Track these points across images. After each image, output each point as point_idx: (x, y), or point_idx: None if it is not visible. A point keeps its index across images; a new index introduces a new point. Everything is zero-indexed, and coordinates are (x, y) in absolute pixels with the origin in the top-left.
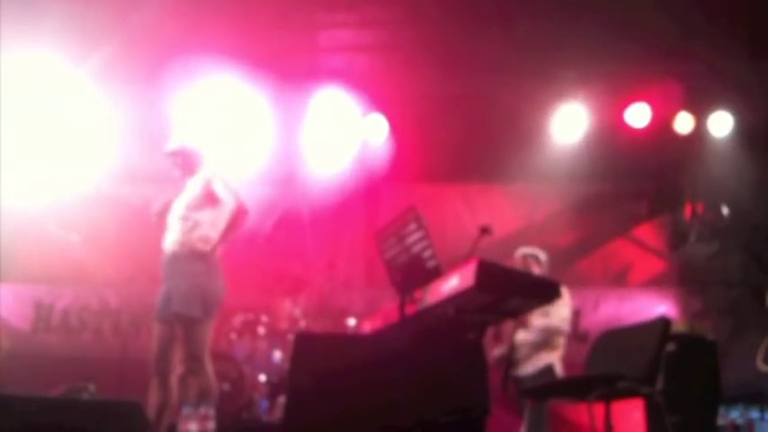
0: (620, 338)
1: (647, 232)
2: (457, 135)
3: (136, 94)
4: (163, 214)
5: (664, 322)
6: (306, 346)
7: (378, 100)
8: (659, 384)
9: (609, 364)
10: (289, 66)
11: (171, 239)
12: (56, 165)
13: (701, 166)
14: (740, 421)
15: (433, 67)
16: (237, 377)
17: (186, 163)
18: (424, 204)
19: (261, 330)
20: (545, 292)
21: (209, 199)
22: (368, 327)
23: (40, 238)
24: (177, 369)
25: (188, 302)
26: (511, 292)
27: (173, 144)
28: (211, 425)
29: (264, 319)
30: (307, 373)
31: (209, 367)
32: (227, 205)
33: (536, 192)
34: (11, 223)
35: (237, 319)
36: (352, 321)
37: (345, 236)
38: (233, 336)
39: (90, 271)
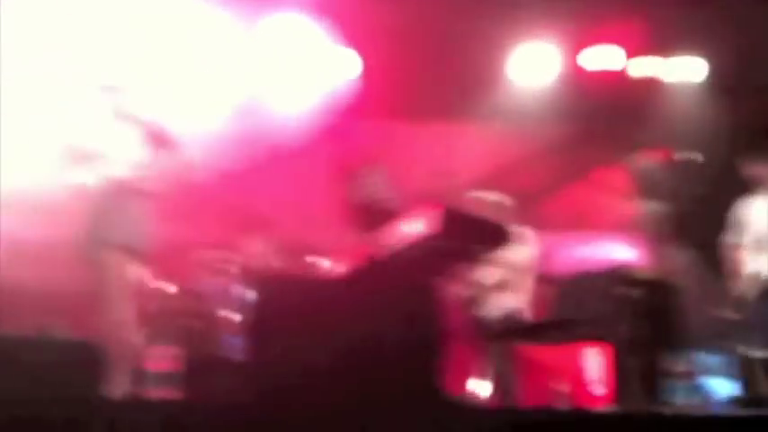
0: (582, 284)
1: (617, 176)
2: (427, 73)
3: None
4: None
5: (624, 268)
6: (269, 289)
7: (348, 34)
8: (623, 329)
9: (571, 310)
10: None
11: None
12: None
13: (670, 110)
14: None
15: (406, 2)
16: (209, 316)
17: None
18: (393, 143)
19: (232, 269)
20: (505, 237)
21: (153, 138)
22: (337, 267)
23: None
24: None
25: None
26: (473, 237)
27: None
28: (178, 364)
29: (236, 257)
30: (269, 315)
31: None
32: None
33: (506, 133)
34: None
35: (209, 258)
36: (323, 261)
37: (317, 173)
38: (204, 274)
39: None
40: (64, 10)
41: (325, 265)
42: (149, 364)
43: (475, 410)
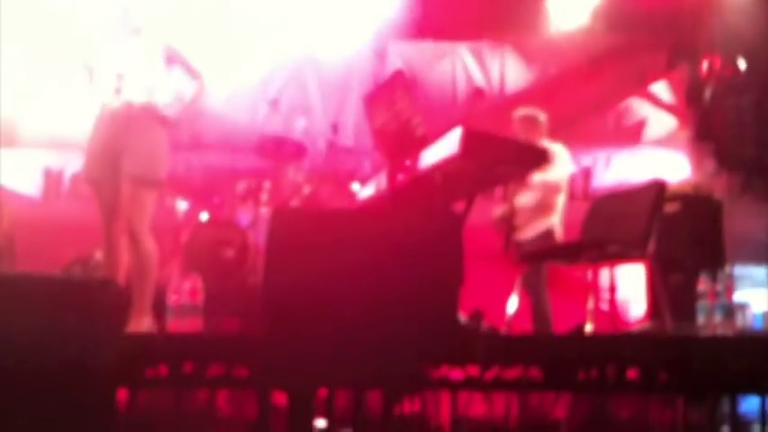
0: (615, 203)
1: (663, 88)
2: None
3: None
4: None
5: (658, 184)
6: (281, 221)
7: None
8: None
9: (603, 229)
10: None
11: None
12: None
13: (718, 19)
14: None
15: None
16: (242, 244)
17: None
18: (432, 62)
19: (264, 197)
20: (534, 158)
21: (175, 60)
22: (366, 193)
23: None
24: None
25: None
26: (497, 159)
27: None
28: (201, 297)
29: (267, 185)
30: (282, 248)
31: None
32: (198, 78)
33: (549, 46)
34: (13, 86)
35: (240, 186)
36: (356, 186)
37: (352, 96)
38: (236, 203)
39: None
40: None
41: (367, 192)
42: (176, 297)
43: (500, 338)
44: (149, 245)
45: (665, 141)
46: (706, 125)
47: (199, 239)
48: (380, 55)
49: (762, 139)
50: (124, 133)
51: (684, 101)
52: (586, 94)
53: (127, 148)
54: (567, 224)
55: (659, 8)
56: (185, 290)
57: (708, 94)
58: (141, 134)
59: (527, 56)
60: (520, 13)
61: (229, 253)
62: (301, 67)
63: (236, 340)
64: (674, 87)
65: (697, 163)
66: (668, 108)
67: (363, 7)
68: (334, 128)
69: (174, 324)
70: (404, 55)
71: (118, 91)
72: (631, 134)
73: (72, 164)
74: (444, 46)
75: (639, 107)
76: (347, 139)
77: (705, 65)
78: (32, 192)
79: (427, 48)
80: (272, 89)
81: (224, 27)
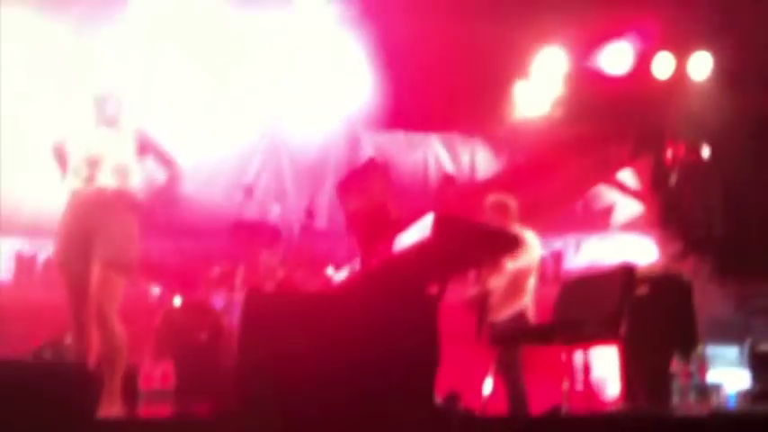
0: (585, 285)
1: (629, 174)
2: (438, 81)
3: None
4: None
5: (627, 267)
6: (256, 304)
7: (357, 44)
8: (627, 327)
9: (575, 311)
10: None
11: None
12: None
13: (681, 107)
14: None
15: (412, 13)
16: (215, 327)
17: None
18: (405, 151)
19: (238, 281)
20: (504, 243)
21: (147, 150)
22: (341, 276)
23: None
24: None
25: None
26: (469, 244)
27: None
28: (172, 382)
29: (241, 269)
30: (256, 331)
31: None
32: (172, 164)
33: (516, 136)
34: None
35: (215, 271)
36: (330, 270)
37: (326, 181)
38: (210, 287)
39: None
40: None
41: (342, 276)
42: (146, 383)
43: (476, 420)
44: (118, 329)
45: (633, 225)
46: (671, 209)
47: (171, 323)
48: (354, 141)
49: (727, 221)
50: (96, 217)
51: (650, 186)
52: (554, 181)
53: (98, 233)
54: (539, 306)
55: (621, 98)
56: (157, 375)
57: (673, 179)
58: (113, 219)
59: (496, 145)
60: (488, 104)
61: (202, 336)
62: (276, 152)
63: (208, 423)
64: (640, 174)
65: (664, 246)
66: (634, 194)
67: (336, 95)
68: (309, 212)
69: (146, 409)
70: (377, 143)
71: (90, 178)
72: (600, 219)
73: (45, 249)
74: (416, 136)
75: (607, 193)
76: (321, 223)
77: (669, 152)
78: (4, 276)
79: (400, 137)
80: (248, 175)
81: (198, 110)
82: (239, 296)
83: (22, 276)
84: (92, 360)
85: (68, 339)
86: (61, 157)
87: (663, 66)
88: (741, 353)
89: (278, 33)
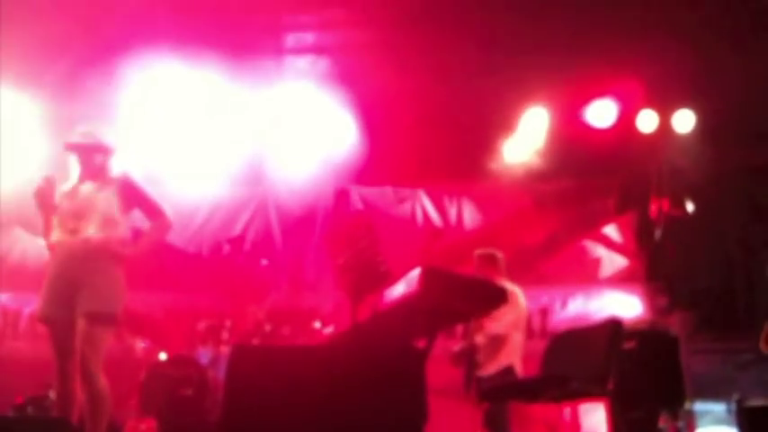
0: (573, 340)
1: (614, 229)
2: (424, 137)
3: None
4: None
5: (614, 323)
6: (241, 359)
7: (345, 101)
8: (615, 382)
9: (562, 366)
10: (255, 66)
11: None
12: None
13: (665, 163)
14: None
15: (398, 71)
16: (201, 382)
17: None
18: (392, 206)
19: (225, 335)
20: (491, 296)
21: (132, 202)
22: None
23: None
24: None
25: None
26: (456, 297)
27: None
28: None
29: (228, 323)
30: (242, 385)
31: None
32: (160, 215)
33: (502, 191)
34: None
35: (201, 325)
36: (318, 324)
37: (313, 237)
38: (196, 341)
39: None
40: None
41: (329, 330)
42: None
43: None
44: (102, 383)
45: (619, 280)
46: (657, 264)
47: (157, 378)
48: (342, 196)
49: (713, 275)
50: (80, 270)
51: (634, 241)
52: (539, 236)
53: (83, 284)
54: (527, 361)
55: (605, 152)
56: (142, 430)
57: (658, 234)
58: (97, 271)
59: (482, 200)
60: (475, 160)
61: (188, 391)
62: (264, 206)
63: None
64: (624, 229)
65: (650, 301)
66: (619, 249)
67: (325, 150)
68: (297, 266)
69: None
70: (365, 197)
71: (75, 230)
72: (587, 273)
73: (29, 303)
74: (404, 190)
75: (594, 247)
76: (309, 276)
77: (654, 207)
78: None
79: (388, 191)
80: (235, 228)
81: (185, 163)
82: (226, 350)
83: (7, 330)
84: (75, 415)
85: (52, 395)
86: (44, 204)
87: (647, 121)
88: (728, 409)
89: (266, 89)
